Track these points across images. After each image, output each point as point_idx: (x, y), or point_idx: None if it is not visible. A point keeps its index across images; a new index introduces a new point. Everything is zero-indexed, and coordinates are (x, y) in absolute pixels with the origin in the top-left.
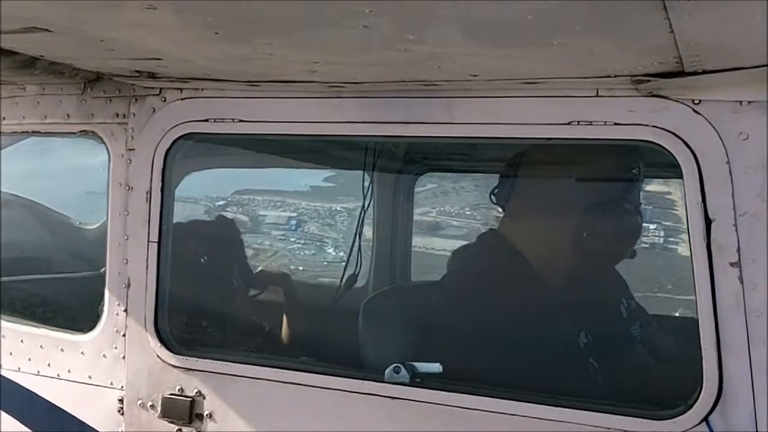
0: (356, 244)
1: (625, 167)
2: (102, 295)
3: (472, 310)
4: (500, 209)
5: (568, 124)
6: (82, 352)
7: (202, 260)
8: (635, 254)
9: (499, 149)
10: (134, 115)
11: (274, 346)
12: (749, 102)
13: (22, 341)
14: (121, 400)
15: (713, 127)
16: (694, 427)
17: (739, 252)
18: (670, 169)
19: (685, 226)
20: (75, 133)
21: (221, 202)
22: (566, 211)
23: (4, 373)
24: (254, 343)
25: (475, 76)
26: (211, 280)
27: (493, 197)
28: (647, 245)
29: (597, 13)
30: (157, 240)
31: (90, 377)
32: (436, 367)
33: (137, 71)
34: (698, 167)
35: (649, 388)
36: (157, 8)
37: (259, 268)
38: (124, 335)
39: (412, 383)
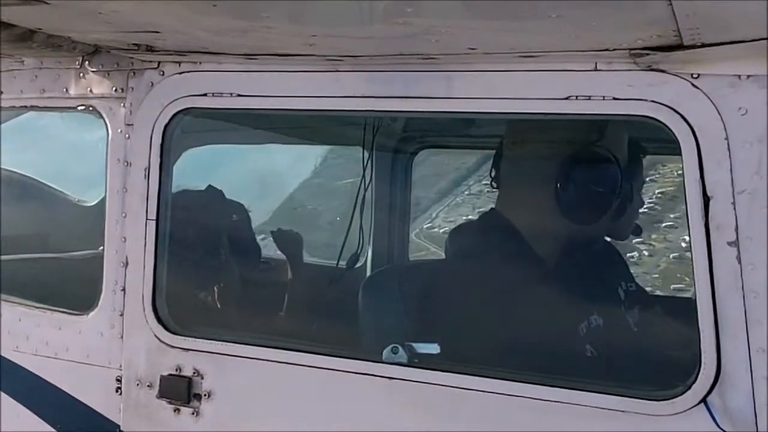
0: (355, 221)
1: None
2: (100, 274)
3: (470, 289)
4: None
5: (567, 98)
6: (80, 332)
7: (190, 232)
8: (640, 230)
9: (498, 124)
10: (132, 89)
11: (273, 325)
12: (748, 76)
13: (20, 320)
14: (119, 380)
15: (712, 102)
16: (692, 407)
17: (737, 231)
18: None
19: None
20: (73, 107)
21: None
22: (541, 176)
23: (2, 353)
24: (252, 323)
25: (473, 49)
26: (205, 257)
27: (493, 182)
28: None
29: None
30: (155, 218)
31: (88, 356)
32: (434, 348)
33: (135, 44)
34: (696, 143)
35: (647, 369)
36: None
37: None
38: (121, 314)
39: (409, 363)
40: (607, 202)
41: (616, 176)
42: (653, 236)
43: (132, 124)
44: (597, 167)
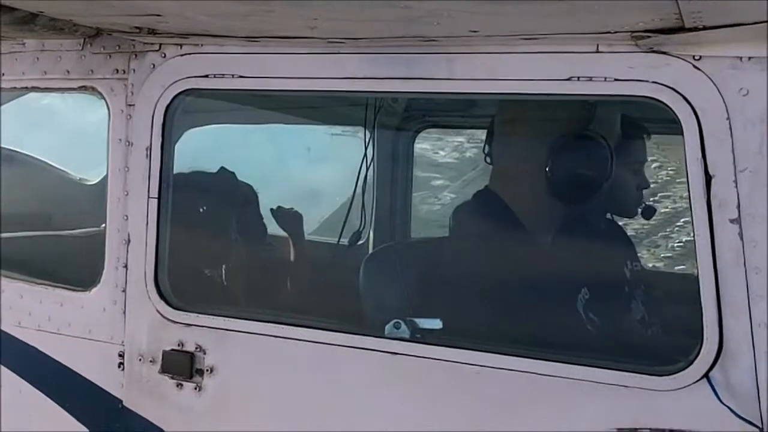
0: (357, 200)
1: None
2: (102, 251)
3: (469, 267)
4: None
5: (568, 79)
6: (82, 307)
7: (201, 210)
8: (652, 212)
9: (498, 104)
10: (134, 70)
11: (275, 301)
12: (749, 58)
13: (21, 297)
14: (121, 355)
15: (713, 83)
16: (694, 382)
17: (739, 208)
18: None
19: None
20: (75, 88)
21: None
22: (532, 157)
23: (4, 328)
24: (254, 299)
25: (474, 32)
26: (212, 235)
27: (487, 159)
28: None
29: None
30: (156, 196)
31: (90, 332)
32: (436, 323)
33: (137, 27)
34: (698, 123)
35: (649, 345)
36: None
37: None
38: (124, 291)
39: (412, 338)
40: (593, 181)
41: (602, 155)
42: None
43: (133, 105)
44: (583, 146)
